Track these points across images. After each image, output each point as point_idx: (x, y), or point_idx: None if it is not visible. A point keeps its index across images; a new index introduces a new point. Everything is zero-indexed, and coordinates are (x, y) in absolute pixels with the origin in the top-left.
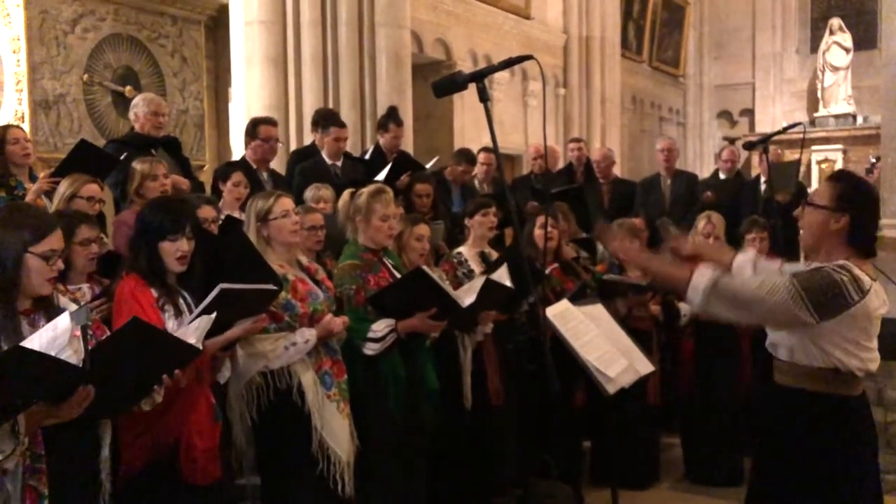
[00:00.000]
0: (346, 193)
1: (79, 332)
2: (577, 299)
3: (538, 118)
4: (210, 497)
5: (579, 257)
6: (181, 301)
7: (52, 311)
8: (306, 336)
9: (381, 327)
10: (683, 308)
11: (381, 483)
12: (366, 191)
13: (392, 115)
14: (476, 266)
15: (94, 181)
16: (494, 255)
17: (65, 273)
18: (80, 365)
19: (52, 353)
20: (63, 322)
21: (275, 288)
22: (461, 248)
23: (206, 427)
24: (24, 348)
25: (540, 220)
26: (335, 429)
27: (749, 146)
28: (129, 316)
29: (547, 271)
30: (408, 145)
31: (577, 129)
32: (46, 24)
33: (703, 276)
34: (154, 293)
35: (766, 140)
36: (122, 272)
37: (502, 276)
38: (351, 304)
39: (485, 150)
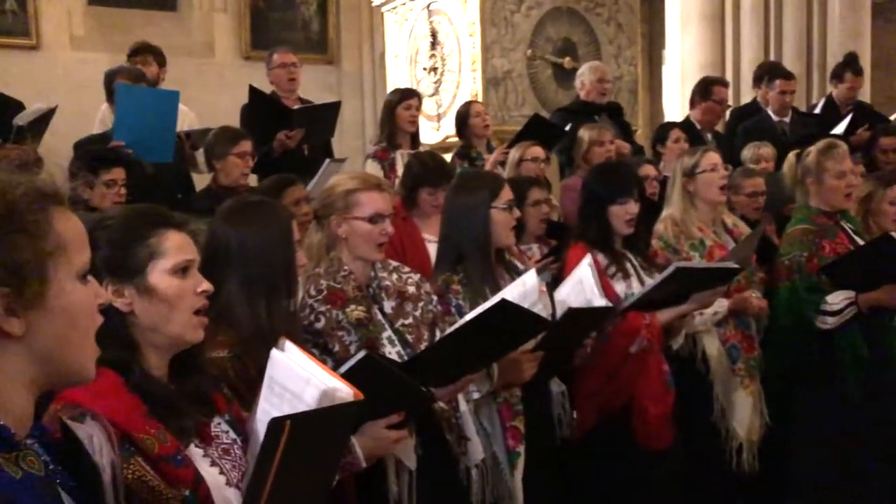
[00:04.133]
0: (791, 155)
1: (544, 289)
2: None
3: None
4: (661, 461)
5: None
6: (628, 264)
7: (510, 266)
8: (716, 307)
9: (837, 299)
10: None
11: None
12: (814, 148)
13: (850, 62)
14: None
15: (539, 145)
16: None
17: (518, 233)
18: (549, 319)
19: (521, 303)
20: (531, 279)
21: (735, 266)
22: None
23: (658, 393)
24: (508, 301)
25: None
26: (737, 404)
27: None
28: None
29: None
30: (864, 96)
31: None
32: (497, 6)
33: None
34: (601, 258)
35: None
36: (571, 240)
37: None
38: (802, 272)
39: None
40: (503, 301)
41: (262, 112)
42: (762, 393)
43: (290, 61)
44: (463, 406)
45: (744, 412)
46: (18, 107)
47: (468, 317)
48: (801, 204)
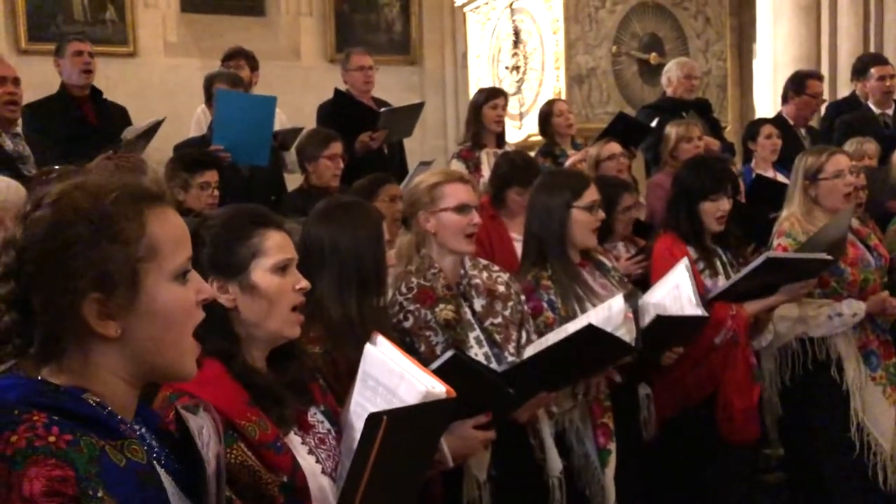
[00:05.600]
0: None
1: (631, 314)
2: None
3: None
4: (745, 456)
5: None
6: (717, 261)
7: (600, 265)
8: (854, 308)
9: None
10: None
11: None
12: None
13: None
14: None
15: (614, 141)
16: None
17: (605, 235)
18: (633, 344)
19: (604, 327)
20: (617, 304)
21: (828, 258)
22: None
23: (744, 386)
24: (595, 327)
25: None
26: (878, 415)
27: None
28: (664, 273)
29: None
30: None
31: None
32: (581, 3)
33: None
34: (691, 251)
35: None
36: (660, 231)
37: None
38: None
39: None
40: (590, 326)
41: (344, 113)
42: None
43: (367, 64)
44: (543, 420)
45: (888, 424)
46: (122, 111)
47: (555, 338)
48: None
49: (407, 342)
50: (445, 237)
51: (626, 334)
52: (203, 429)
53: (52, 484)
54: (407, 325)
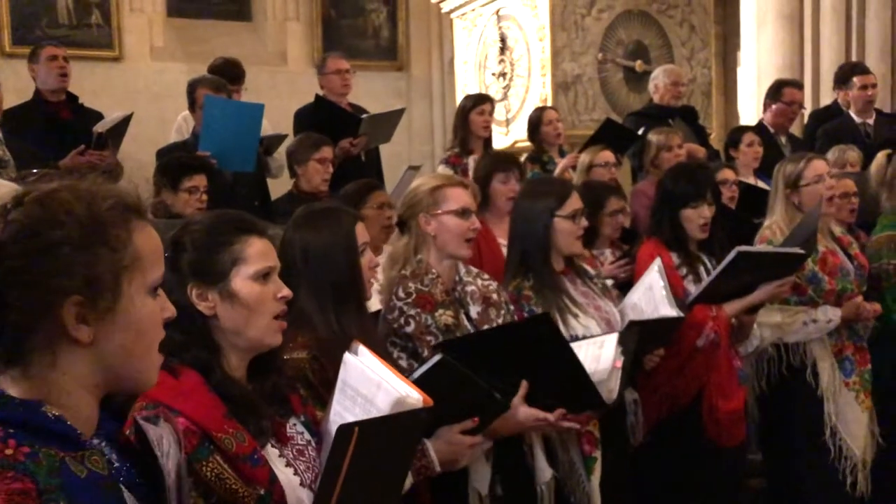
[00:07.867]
0: (880, 155)
1: (619, 364)
2: None
3: None
4: (731, 459)
5: None
6: (701, 267)
7: (580, 272)
8: (829, 315)
9: None
10: None
11: None
12: None
13: None
14: None
15: (609, 149)
16: None
17: (592, 240)
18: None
19: (588, 370)
20: (609, 346)
21: (801, 252)
22: None
23: (729, 389)
24: (549, 317)
25: None
26: (850, 420)
27: None
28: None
29: None
30: None
31: None
32: (567, 11)
33: None
34: (674, 257)
35: None
36: (643, 236)
37: None
38: (890, 280)
39: None
40: (545, 315)
41: (324, 119)
42: (874, 410)
43: (344, 67)
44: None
45: (859, 429)
46: (99, 117)
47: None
48: (889, 209)
49: (409, 348)
50: (445, 240)
51: (609, 390)
52: (163, 438)
53: (11, 497)
54: (409, 329)
